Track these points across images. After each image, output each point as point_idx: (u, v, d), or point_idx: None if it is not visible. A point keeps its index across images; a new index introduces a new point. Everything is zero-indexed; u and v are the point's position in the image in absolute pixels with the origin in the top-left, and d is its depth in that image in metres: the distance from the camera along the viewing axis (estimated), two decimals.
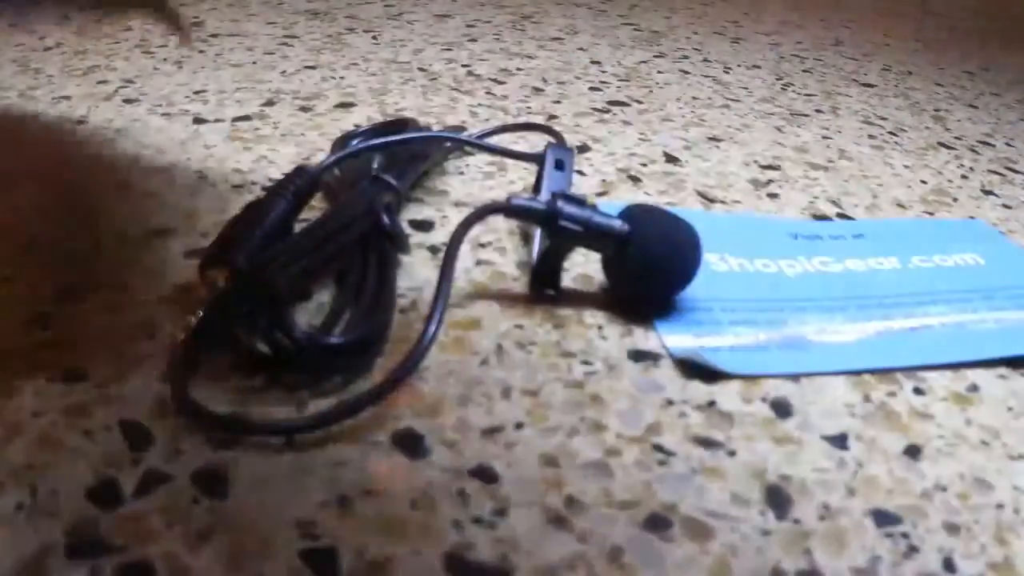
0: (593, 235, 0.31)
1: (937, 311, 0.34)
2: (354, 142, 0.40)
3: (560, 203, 0.31)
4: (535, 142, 0.48)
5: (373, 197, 0.32)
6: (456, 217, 0.38)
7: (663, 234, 0.31)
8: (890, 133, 0.57)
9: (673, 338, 0.31)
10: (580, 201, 0.31)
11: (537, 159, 0.40)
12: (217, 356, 0.27)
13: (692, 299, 0.33)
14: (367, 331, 0.27)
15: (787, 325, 0.32)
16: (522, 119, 0.52)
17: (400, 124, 0.42)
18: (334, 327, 0.28)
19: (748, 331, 0.32)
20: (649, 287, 0.32)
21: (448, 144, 0.44)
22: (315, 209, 0.36)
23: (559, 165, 0.38)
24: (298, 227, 0.32)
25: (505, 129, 0.48)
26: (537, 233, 0.34)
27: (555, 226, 0.31)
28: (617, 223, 0.31)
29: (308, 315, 0.30)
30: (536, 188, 0.38)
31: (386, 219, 0.31)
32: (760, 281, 0.35)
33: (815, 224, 0.41)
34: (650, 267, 0.31)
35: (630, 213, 0.32)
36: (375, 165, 0.37)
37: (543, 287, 0.33)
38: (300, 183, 0.32)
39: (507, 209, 0.31)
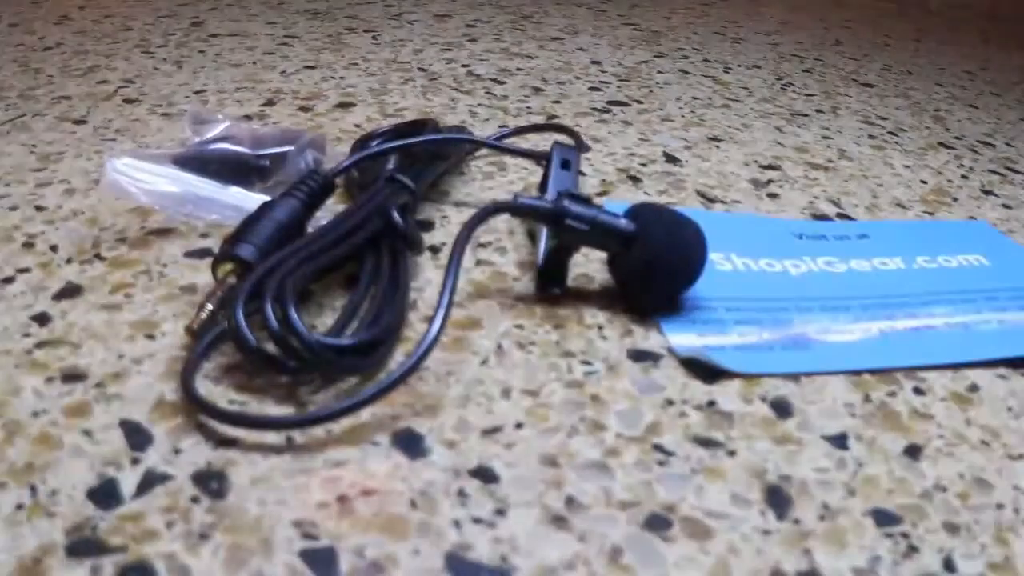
0: (599, 234, 0.31)
1: (941, 311, 0.34)
2: (374, 143, 0.40)
3: (567, 202, 0.31)
4: (535, 141, 0.48)
5: (387, 197, 0.32)
6: (456, 217, 0.38)
7: (669, 233, 0.31)
8: (890, 133, 0.57)
9: (678, 337, 0.31)
10: (586, 200, 0.31)
11: (544, 158, 0.40)
12: (223, 353, 0.27)
13: (697, 298, 0.33)
14: (378, 332, 0.27)
15: (791, 325, 0.32)
16: (522, 119, 0.52)
17: (420, 125, 0.42)
18: (345, 328, 0.28)
19: (752, 330, 0.32)
20: (654, 286, 0.32)
21: (468, 146, 0.43)
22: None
23: (565, 164, 0.38)
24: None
25: (525, 130, 0.48)
26: (543, 232, 0.34)
27: (562, 225, 0.31)
28: (623, 222, 0.31)
29: (318, 315, 0.30)
30: (542, 187, 0.38)
31: (399, 219, 0.31)
32: (765, 281, 0.35)
33: (820, 224, 0.41)
34: (656, 266, 0.31)
35: (636, 212, 0.32)
36: (390, 165, 0.37)
37: (549, 285, 0.33)
38: (313, 184, 0.32)
39: (514, 208, 0.31)
